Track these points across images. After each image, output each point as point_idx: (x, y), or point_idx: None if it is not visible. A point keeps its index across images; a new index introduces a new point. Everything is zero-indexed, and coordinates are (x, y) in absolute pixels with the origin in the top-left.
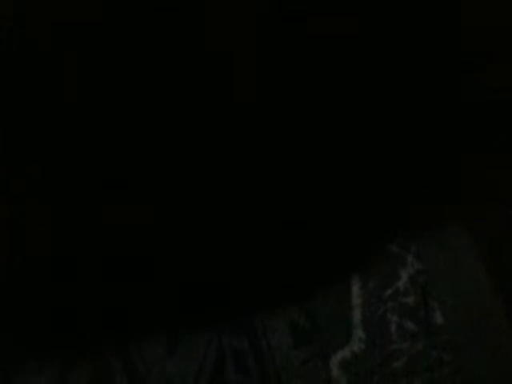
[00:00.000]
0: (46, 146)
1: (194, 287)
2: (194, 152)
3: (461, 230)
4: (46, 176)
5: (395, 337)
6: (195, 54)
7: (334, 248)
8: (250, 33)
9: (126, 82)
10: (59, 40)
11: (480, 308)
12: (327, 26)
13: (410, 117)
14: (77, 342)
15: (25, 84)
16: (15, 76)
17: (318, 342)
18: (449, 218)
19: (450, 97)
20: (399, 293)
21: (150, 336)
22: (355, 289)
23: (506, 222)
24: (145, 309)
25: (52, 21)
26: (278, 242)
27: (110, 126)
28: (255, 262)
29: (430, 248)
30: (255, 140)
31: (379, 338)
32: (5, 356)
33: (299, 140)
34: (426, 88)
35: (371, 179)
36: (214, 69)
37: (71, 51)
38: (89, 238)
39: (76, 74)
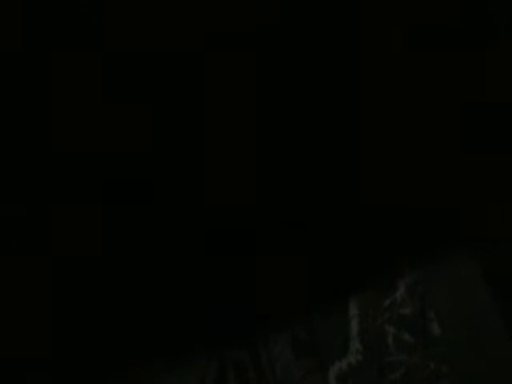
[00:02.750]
0: None
1: (194, 298)
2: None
3: (458, 240)
4: None
5: (392, 348)
6: None
7: (332, 259)
8: None
9: None
10: None
11: (478, 319)
12: None
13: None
14: (79, 359)
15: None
16: None
17: (317, 354)
18: (446, 228)
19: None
20: (396, 303)
21: (151, 349)
22: (353, 300)
23: (505, 231)
24: (146, 322)
25: None
26: (275, 250)
27: None
28: (255, 273)
29: (428, 258)
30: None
31: (376, 350)
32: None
33: (292, 149)
34: None
35: (370, 189)
36: None
37: None
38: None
39: None
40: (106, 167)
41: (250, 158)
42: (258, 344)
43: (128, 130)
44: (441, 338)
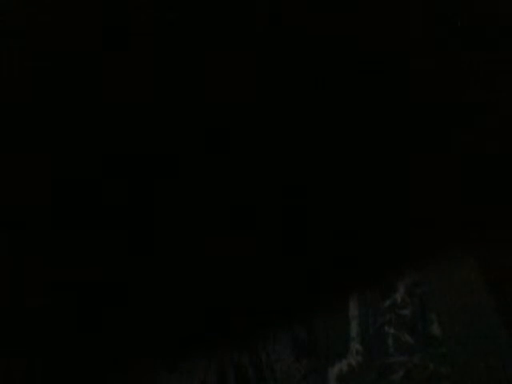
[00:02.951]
0: None
1: (194, 298)
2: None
3: (458, 241)
4: None
5: (392, 349)
6: None
7: (332, 261)
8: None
9: None
10: None
11: (478, 319)
12: None
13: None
14: (79, 359)
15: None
16: None
17: (317, 354)
18: (446, 230)
19: None
20: (396, 304)
21: (152, 349)
22: (353, 301)
23: (504, 233)
24: (147, 322)
25: None
26: (277, 256)
27: None
28: (256, 277)
29: (427, 259)
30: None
31: (376, 351)
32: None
33: (293, 154)
34: None
35: (370, 194)
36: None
37: None
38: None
39: None
40: None
41: (251, 159)
42: (257, 344)
43: (126, 124)
44: (441, 338)
